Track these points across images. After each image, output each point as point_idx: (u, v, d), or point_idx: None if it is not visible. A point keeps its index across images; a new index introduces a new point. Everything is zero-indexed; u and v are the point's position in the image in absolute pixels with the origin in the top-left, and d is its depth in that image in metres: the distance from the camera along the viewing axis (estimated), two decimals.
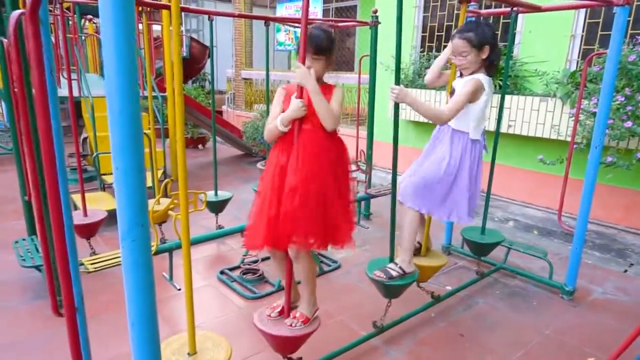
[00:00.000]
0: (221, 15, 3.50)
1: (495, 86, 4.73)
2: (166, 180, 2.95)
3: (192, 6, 11.32)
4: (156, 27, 7.83)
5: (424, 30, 5.78)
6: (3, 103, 7.03)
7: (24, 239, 3.18)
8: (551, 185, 4.59)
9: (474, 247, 3.19)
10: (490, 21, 5.01)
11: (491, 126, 4.77)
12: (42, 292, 2.89)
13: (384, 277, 2.23)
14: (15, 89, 2.57)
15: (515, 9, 2.82)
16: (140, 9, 4.23)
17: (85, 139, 5.58)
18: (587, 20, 4.34)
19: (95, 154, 4.26)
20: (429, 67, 3.22)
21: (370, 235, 4.21)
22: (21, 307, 2.76)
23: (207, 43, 9.64)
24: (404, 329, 2.64)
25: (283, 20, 5.90)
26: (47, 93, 1.25)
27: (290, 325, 1.93)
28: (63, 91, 3.60)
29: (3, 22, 2.93)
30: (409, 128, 5.91)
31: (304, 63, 1.77)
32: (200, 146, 8.13)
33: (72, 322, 1.37)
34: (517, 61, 4.73)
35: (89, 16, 7.61)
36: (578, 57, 4.43)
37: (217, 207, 3.91)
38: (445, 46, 5.50)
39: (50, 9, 4.80)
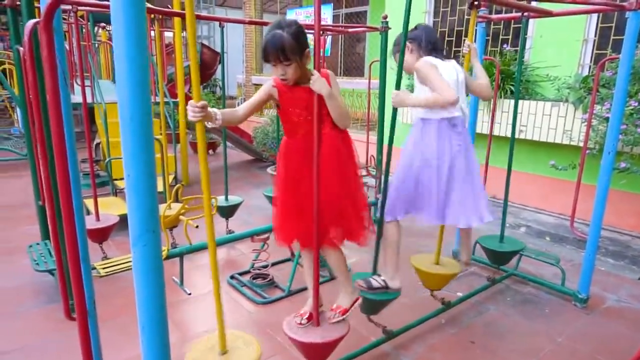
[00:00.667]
0: (232, 22, 3.53)
1: (507, 91, 4.71)
2: (177, 186, 2.98)
3: (204, 13, 11.45)
4: (167, 34, 7.93)
5: None
6: (18, 109, 7.17)
7: (37, 244, 3.23)
8: (563, 191, 4.54)
9: (492, 256, 3.15)
10: (501, 26, 4.99)
11: (505, 132, 4.75)
12: (55, 295, 2.92)
13: (365, 286, 2.19)
14: (30, 96, 2.61)
15: (526, 13, 2.81)
16: (152, 16, 4.29)
17: (97, 144, 5.66)
18: (599, 25, 4.30)
19: (107, 160, 4.31)
20: None
21: None
22: (34, 311, 2.80)
23: (218, 49, 9.74)
24: (414, 334, 2.62)
25: None
26: (60, 99, 1.27)
27: (330, 318, 1.97)
28: (77, 97, 3.66)
29: (19, 31, 3.00)
30: None
31: (319, 70, 1.73)
32: (210, 151, 8.18)
33: (84, 325, 1.38)
34: (529, 66, 4.71)
35: (102, 24, 7.73)
36: (590, 62, 4.39)
37: (227, 212, 3.93)
38: (455, 52, 5.51)
39: (65, 17, 4.89)
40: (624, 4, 2.53)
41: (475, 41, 2.92)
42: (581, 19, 4.32)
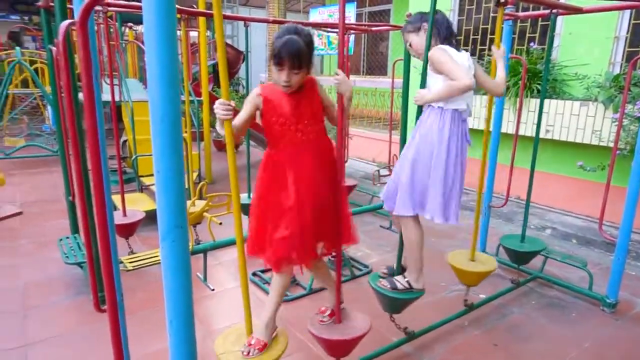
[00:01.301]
0: (256, 21, 3.56)
1: (534, 90, 4.62)
2: (202, 183, 3.03)
3: (227, 12, 11.57)
4: (192, 34, 8.05)
5: (459, 34, 5.69)
6: (49, 107, 7.39)
7: (67, 237, 3.33)
8: (591, 193, 4.42)
9: (513, 256, 3.11)
10: (528, 24, 4.89)
11: (531, 132, 4.66)
12: (84, 288, 3.01)
13: (388, 286, 2.19)
14: (62, 94, 2.69)
15: (555, 10, 2.75)
16: (178, 16, 4.36)
17: (124, 141, 5.79)
18: (632, 21, 4.17)
19: (134, 157, 4.40)
20: None
21: None
22: (64, 303, 2.89)
23: (241, 48, 9.82)
24: (436, 336, 2.60)
25: (317, 25, 5.95)
26: (95, 98, 1.31)
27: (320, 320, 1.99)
28: (105, 96, 3.76)
29: (52, 32, 3.09)
30: None
31: (344, 70, 1.74)
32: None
33: (115, 317, 1.42)
34: (556, 64, 4.60)
35: (129, 24, 7.90)
36: (622, 60, 4.26)
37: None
38: (481, 50, 5.42)
39: (94, 17, 5.01)
40: None
41: (501, 40, 2.87)
42: (613, 16, 4.19)
